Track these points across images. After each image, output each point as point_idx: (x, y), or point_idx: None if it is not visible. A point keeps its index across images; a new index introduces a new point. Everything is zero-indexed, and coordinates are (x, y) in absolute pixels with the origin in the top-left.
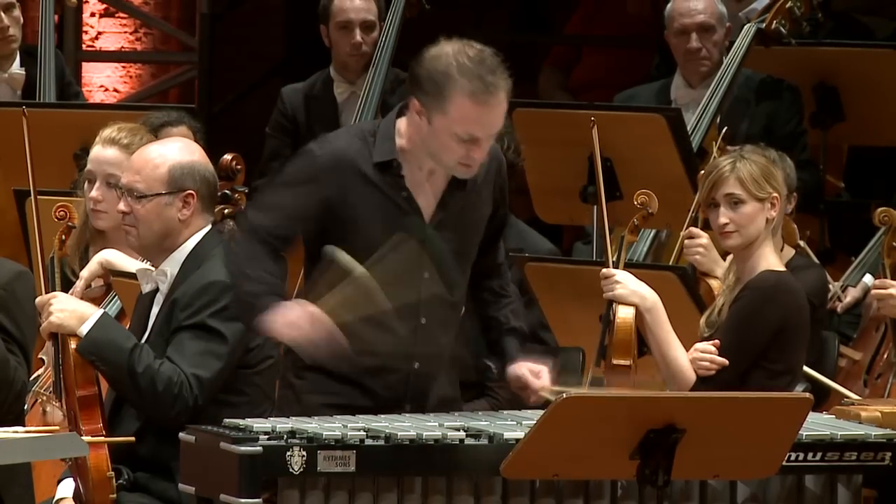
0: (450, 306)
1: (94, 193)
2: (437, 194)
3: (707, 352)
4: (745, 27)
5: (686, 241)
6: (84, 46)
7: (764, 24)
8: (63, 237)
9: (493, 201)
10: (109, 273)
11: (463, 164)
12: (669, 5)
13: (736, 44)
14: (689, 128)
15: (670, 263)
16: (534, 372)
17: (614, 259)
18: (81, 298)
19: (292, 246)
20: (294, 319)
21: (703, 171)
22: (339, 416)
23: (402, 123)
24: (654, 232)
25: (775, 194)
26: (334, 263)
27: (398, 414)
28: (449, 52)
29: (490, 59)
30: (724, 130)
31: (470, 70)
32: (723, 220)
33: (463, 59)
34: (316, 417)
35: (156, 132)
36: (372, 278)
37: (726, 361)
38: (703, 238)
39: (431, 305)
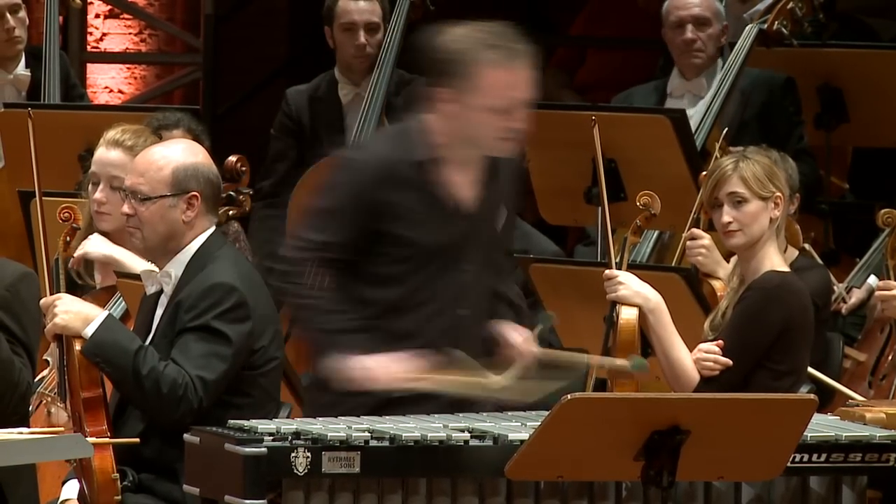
0: (493, 296)
1: (97, 195)
2: (475, 185)
3: (711, 352)
4: (747, 28)
5: (688, 243)
6: (89, 47)
7: (766, 25)
8: (67, 238)
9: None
10: (115, 274)
11: (504, 139)
12: (666, 2)
13: (738, 45)
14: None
15: (673, 265)
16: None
17: (617, 260)
18: (85, 295)
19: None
20: (375, 374)
21: (704, 172)
22: (343, 418)
23: (431, 121)
24: (657, 233)
25: (778, 194)
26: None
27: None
28: (462, 31)
29: (506, 29)
30: (724, 131)
31: (489, 41)
32: (726, 218)
33: (479, 33)
34: (321, 418)
35: (160, 133)
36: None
37: (730, 362)
38: (705, 239)
39: (474, 297)
